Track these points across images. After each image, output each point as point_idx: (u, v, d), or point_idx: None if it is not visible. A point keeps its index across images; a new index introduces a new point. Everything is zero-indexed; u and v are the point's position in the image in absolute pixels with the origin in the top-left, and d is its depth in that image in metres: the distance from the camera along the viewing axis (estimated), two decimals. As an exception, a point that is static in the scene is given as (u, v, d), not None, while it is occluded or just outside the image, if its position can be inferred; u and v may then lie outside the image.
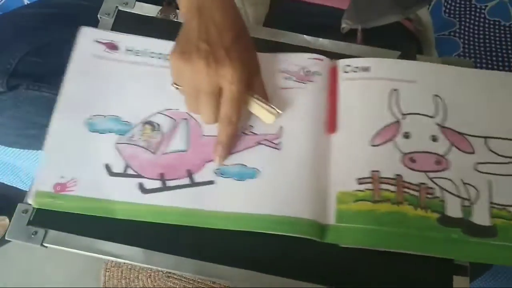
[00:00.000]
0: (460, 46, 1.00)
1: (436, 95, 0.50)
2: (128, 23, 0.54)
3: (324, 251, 0.44)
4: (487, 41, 1.01)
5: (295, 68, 0.51)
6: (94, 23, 0.55)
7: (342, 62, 0.52)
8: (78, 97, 0.48)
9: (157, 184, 0.45)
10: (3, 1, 0.94)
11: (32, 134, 0.63)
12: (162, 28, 0.54)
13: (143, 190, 0.44)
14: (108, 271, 0.99)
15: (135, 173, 0.45)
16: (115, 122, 0.47)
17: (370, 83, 0.50)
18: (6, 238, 0.43)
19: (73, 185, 0.44)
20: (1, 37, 0.60)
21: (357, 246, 0.43)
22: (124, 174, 0.45)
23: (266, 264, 0.43)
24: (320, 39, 0.56)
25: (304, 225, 0.43)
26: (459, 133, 0.48)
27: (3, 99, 0.57)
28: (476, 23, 1.03)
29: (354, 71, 0.51)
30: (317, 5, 0.65)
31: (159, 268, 0.44)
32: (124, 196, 0.44)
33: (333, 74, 0.52)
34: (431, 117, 0.49)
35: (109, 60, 0.50)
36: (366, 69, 0.51)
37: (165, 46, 0.51)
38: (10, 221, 0.44)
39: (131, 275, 0.99)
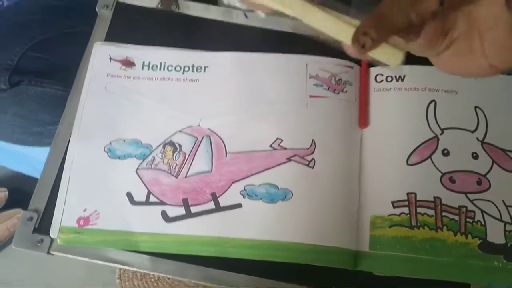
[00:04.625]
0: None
1: (477, 107, 0.46)
2: (127, 16, 0.51)
3: (355, 278, 0.42)
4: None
5: (326, 75, 0.47)
6: (95, 15, 0.52)
7: (373, 71, 0.48)
8: (96, 123, 0.45)
9: (181, 211, 0.42)
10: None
11: (37, 131, 0.62)
12: (164, 20, 0.51)
13: (167, 218, 0.41)
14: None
15: (158, 201, 0.42)
16: (135, 146, 0.44)
17: (405, 94, 0.47)
18: (13, 247, 0.42)
19: (96, 218, 0.41)
20: (2, 33, 0.58)
21: (392, 275, 0.41)
22: (146, 203, 0.42)
23: (283, 272, 0.41)
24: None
25: (337, 255, 0.41)
26: (501, 149, 0.45)
27: (6, 96, 0.56)
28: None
29: (387, 81, 0.47)
30: None
31: (166, 275, 0.42)
32: (147, 227, 0.41)
33: (364, 83, 0.48)
34: (471, 131, 0.45)
35: (126, 78, 0.47)
36: (400, 78, 0.47)
37: (182, 56, 0.47)
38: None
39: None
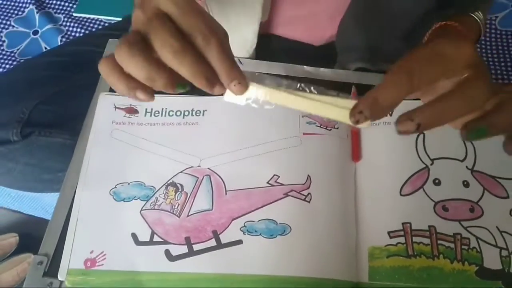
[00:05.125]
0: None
1: (464, 137, 0.48)
2: None
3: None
4: (500, 51, 0.99)
5: None
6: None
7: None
8: (102, 168, 0.48)
9: (184, 249, 0.43)
10: (22, 47, 0.95)
11: (46, 179, 0.64)
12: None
13: (170, 257, 0.43)
14: None
15: (161, 240, 0.44)
16: (139, 188, 0.46)
17: (394, 128, 0.49)
18: None
19: (102, 259, 0.43)
20: (15, 88, 0.62)
21: (393, 304, 0.42)
22: (150, 242, 0.44)
23: None
24: (321, 69, 0.55)
25: (338, 287, 0.42)
26: (491, 176, 0.46)
27: (18, 147, 0.58)
28: (487, 34, 1.01)
29: (377, 115, 0.50)
30: (293, 40, 0.64)
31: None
32: (152, 266, 0.43)
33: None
34: (461, 161, 0.47)
35: (130, 124, 0.50)
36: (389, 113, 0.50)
37: (183, 102, 0.50)
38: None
39: None
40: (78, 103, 0.60)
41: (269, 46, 0.62)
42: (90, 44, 0.66)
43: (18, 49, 0.96)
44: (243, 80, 0.31)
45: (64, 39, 0.97)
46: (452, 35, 0.45)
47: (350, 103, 0.31)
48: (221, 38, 0.30)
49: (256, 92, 0.32)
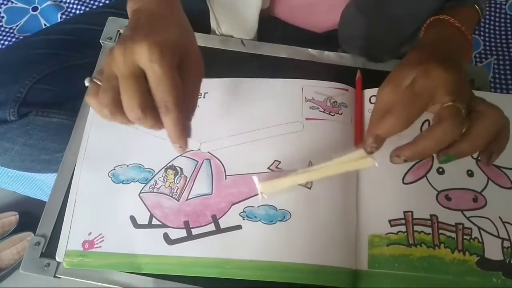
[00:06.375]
0: (480, 43, 0.96)
1: (470, 125, 0.47)
2: None
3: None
4: (509, 37, 0.97)
5: (321, 98, 0.49)
6: (99, 47, 0.54)
7: (367, 93, 0.49)
8: (100, 149, 0.47)
9: (182, 233, 0.43)
10: (21, 23, 0.93)
11: (44, 159, 0.63)
12: None
13: (168, 241, 0.43)
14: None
15: (160, 223, 0.43)
16: (138, 171, 0.46)
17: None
18: (21, 271, 0.43)
19: (100, 241, 0.43)
20: (12, 67, 0.60)
21: (392, 293, 0.42)
22: (149, 225, 0.43)
23: None
24: (325, 52, 0.54)
25: (336, 274, 0.42)
26: (496, 166, 0.46)
27: (15, 127, 0.57)
28: (497, 19, 0.99)
29: (382, 101, 0.49)
30: (294, 26, 0.63)
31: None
32: (150, 249, 0.42)
33: (359, 105, 0.49)
34: (465, 149, 0.46)
35: None
36: (394, 98, 0.48)
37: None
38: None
39: None
40: (77, 83, 0.59)
41: (272, 30, 0.61)
42: (89, 22, 0.64)
43: (17, 26, 0.94)
44: (184, 145, 0.37)
45: (64, 16, 0.95)
46: (444, 28, 0.44)
47: (357, 154, 0.40)
48: (177, 114, 0.35)
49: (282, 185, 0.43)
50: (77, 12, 0.96)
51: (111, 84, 0.35)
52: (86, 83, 0.38)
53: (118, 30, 0.54)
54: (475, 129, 0.35)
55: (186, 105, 0.36)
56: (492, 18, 0.99)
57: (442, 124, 0.34)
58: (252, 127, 0.47)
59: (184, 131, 0.37)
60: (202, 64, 0.40)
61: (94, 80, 0.37)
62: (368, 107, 0.49)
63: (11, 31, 0.94)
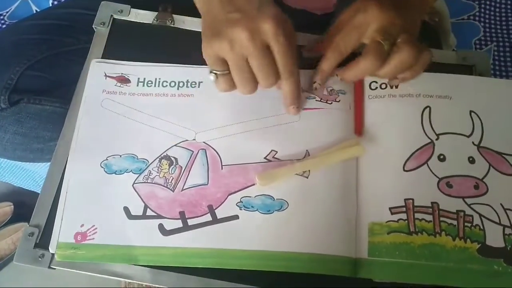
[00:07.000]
0: (480, 30, 0.95)
1: (472, 111, 0.46)
2: (124, 32, 0.52)
3: (355, 285, 0.42)
4: (510, 23, 0.96)
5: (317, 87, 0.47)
6: (92, 32, 0.52)
7: (367, 79, 0.48)
8: (92, 139, 0.46)
9: (178, 224, 0.42)
10: (11, 9, 0.91)
11: (37, 148, 0.62)
12: (159, 35, 0.52)
13: (164, 231, 0.42)
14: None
15: (155, 214, 0.42)
16: (131, 161, 0.44)
17: (399, 100, 0.47)
18: (14, 262, 0.42)
19: (93, 233, 0.42)
20: (2, 53, 0.59)
21: (392, 281, 0.41)
22: (143, 216, 0.42)
23: (283, 281, 0.41)
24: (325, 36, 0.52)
25: (336, 263, 0.41)
26: (498, 153, 0.45)
27: (6, 115, 0.56)
28: (497, 5, 0.98)
29: (382, 88, 0.48)
30: (297, 9, 0.62)
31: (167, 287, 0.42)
32: (145, 241, 0.41)
33: (358, 91, 0.48)
34: (467, 136, 0.45)
35: (121, 94, 0.48)
36: (394, 85, 0.47)
37: (177, 72, 0.48)
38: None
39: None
40: (69, 69, 0.57)
41: None
42: (82, 6, 0.62)
43: (7, 12, 0.92)
44: (300, 106, 0.45)
45: (55, 2, 0.93)
46: None
47: (352, 141, 0.45)
48: (297, 78, 0.42)
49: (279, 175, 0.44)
50: (69, -3, 0.93)
51: (246, 70, 0.40)
52: (211, 77, 0.42)
53: (112, 15, 0.52)
54: (392, 61, 0.42)
55: None
56: (493, 4, 0.97)
57: (366, 57, 0.42)
58: (248, 118, 0.46)
59: (300, 93, 0.45)
60: (293, 29, 0.43)
61: (215, 72, 0.41)
62: (368, 93, 0.48)
63: (1, 17, 0.91)
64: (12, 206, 1.01)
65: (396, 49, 0.42)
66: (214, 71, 0.41)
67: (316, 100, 0.47)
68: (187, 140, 0.45)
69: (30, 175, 0.90)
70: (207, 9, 0.42)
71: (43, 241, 0.43)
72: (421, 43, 0.43)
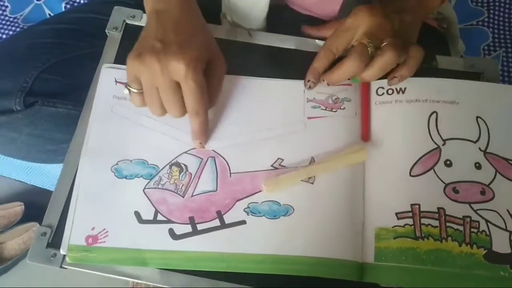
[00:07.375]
0: (489, 35, 0.95)
1: (479, 117, 0.46)
2: (136, 37, 0.52)
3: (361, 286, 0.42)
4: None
5: (322, 97, 0.48)
6: (104, 37, 0.53)
7: (374, 84, 0.49)
8: (103, 144, 0.46)
9: (188, 228, 0.43)
10: (25, 13, 0.93)
11: (50, 150, 0.63)
12: None
13: (174, 236, 0.43)
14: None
15: (165, 219, 0.43)
16: (142, 166, 0.45)
17: (406, 106, 0.47)
18: (27, 261, 0.43)
19: (104, 236, 0.43)
20: (17, 56, 0.60)
21: (398, 286, 0.41)
22: (154, 221, 0.43)
23: (290, 284, 0.42)
24: None
25: (342, 267, 0.42)
26: (504, 158, 0.45)
27: (21, 117, 0.57)
28: (506, 10, 0.97)
29: (389, 93, 0.48)
30: (303, 14, 0.63)
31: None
32: (155, 244, 0.42)
33: (365, 97, 0.49)
34: (473, 142, 0.46)
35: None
36: (401, 90, 0.48)
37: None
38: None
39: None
40: (83, 73, 0.58)
41: (280, 18, 0.60)
42: (95, 11, 0.64)
43: (21, 15, 0.94)
44: (204, 142, 0.46)
45: (68, 6, 0.94)
46: None
47: (356, 146, 0.46)
48: (204, 119, 0.44)
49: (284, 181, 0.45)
50: (82, 1, 0.95)
51: (155, 97, 0.43)
52: (126, 92, 0.45)
53: (124, 20, 0.53)
54: (375, 63, 0.45)
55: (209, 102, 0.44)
56: (502, 9, 0.97)
57: (349, 57, 0.44)
58: (255, 127, 0.47)
59: (207, 131, 0.45)
60: (225, 64, 0.46)
61: (130, 88, 0.44)
62: (375, 99, 0.48)
63: (16, 20, 0.93)
64: (23, 206, 1.03)
65: (380, 52, 0.44)
66: (129, 88, 0.44)
67: (321, 109, 0.48)
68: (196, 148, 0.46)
69: (43, 172, 0.91)
70: (145, 28, 0.45)
71: (56, 241, 0.43)
72: (418, 44, 0.46)
